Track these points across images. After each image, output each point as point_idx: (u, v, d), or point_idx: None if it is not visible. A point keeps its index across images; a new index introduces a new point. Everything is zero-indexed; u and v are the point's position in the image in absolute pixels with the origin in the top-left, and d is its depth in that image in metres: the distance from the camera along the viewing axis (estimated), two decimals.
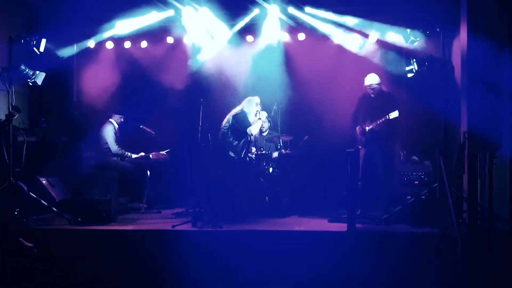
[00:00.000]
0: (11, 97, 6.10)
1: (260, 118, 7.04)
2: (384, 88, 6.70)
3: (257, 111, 7.01)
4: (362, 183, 6.58)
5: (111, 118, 7.51)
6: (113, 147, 7.33)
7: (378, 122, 6.44)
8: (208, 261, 5.19)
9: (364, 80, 6.66)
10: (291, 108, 7.91)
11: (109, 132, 7.34)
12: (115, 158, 7.29)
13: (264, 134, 7.82)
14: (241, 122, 6.92)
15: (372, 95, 6.59)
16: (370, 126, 6.52)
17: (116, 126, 7.49)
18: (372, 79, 6.56)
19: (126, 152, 7.40)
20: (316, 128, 7.91)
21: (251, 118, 6.96)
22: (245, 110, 7.00)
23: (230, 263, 5.23)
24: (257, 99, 7.07)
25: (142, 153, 7.44)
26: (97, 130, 7.46)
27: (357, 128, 6.64)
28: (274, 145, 7.66)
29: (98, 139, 7.38)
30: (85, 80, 8.42)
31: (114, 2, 7.39)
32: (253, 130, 6.96)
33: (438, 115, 6.05)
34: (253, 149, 7.34)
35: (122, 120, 7.57)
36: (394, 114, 6.32)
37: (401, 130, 6.83)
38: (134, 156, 7.42)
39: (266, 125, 7.74)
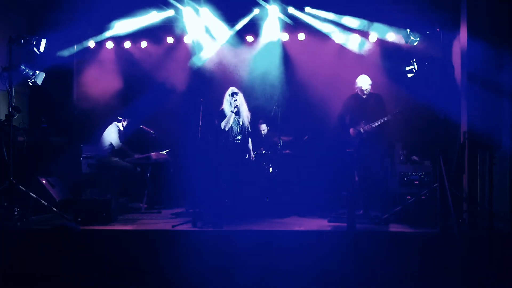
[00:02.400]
0: (11, 97, 6.11)
1: (232, 111, 6.64)
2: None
3: (230, 102, 6.68)
4: (358, 179, 6.57)
5: (118, 122, 7.37)
6: (116, 143, 7.14)
7: (377, 124, 6.42)
8: (208, 261, 5.19)
9: (356, 81, 6.63)
10: (291, 108, 7.91)
11: (112, 132, 7.23)
12: (115, 158, 7.24)
13: (263, 132, 7.85)
14: (219, 120, 6.73)
15: (364, 96, 6.58)
16: (367, 127, 6.49)
17: (121, 128, 7.38)
18: (367, 81, 6.55)
19: (129, 151, 7.27)
20: (316, 128, 7.92)
21: (228, 112, 6.71)
22: (224, 106, 6.78)
23: (230, 263, 5.22)
24: (229, 90, 6.77)
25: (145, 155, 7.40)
26: (97, 130, 7.43)
27: (351, 130, 6.60)
28: (273, 145, 7.67)
29: (100, 140, 7.31)
30: (85, 80, 8.42)
31: (114, 2, 7.39)
32: (225, 125, 6.68)
33: (438, 115, 6.05)
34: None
35: (126, 123, 7.43)
36: (389, 117, 6.37)
37: (401, 130, 6.83)
38: (137, 156, 7.32)
39: (264, 132, 7.78)
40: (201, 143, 6.35)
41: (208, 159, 6.74)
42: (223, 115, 6.75)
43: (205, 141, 6.49)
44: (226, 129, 6.70)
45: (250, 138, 7.07)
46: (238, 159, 6.86)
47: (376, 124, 6.42)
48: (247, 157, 7.08)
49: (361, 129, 6.49)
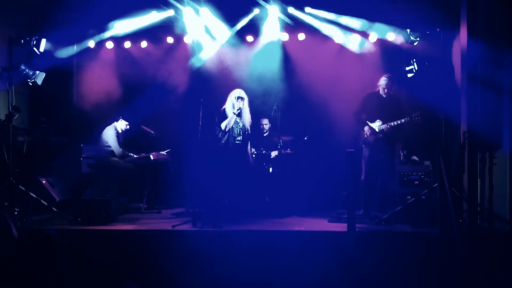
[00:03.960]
0: (11, 97, 6.11)
1: (234, 113, 6.71)
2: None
3: (233, 103, 6.74)
4: (365, 179, 6.59)
5: (116, 121, 7.35)
6: (117, 149, 7.13)
7: (394, 124, 6.44)
8: (208, 261, 5.19)
9: (380, 79, 6.68)
10: (291, 108, 7.91)
11: (110, 135, 7.21)
12: (115, 158, 7.23)
13: (265, 134, 7.82)
14: (219, 120, 6.79)
15: (384, 96, 6.63)
16: (383, 127, 6.52)
17: (119, 131, 7.35)
18: (390, 81, 6.61)
19: (130, 153, 7.32)
20: (316, 128, 7.92)
21: (229, 112, 6.75)
22: (226, 106, 6.82)
23: (230, 263, 5.22)
24: (235, 93, 6.81)
25: (143, 154, 7.40)
26: (98, 130, 7.43)
27: (366, 127, 6.63)
28: (273, 144, 7.67)
29: (99, 140, 7.30)
30: (85, 80, 8.41)
31: (114, 2, 7.39)
32: (225, 125, 6.73)
33: (438, 115, 6.05)
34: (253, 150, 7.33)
35: (128, 127, 7.38)
36: (407, 119, 6.39)
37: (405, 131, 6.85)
38: (135, 156, 7.34)
39: (267, 126, 7.77)
40: (201, 143, 6.35)
41: (208, 159, 6.74)
42: (224, 115, 6.77)
43: (205, 141, 6.50)
44: (227, 130, 6.72)
45: (249, 142, 7.07)
46: (239, 159, 6.86)
47: (393, 124, 6.43)
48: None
49: (377, 128, 6.52)
